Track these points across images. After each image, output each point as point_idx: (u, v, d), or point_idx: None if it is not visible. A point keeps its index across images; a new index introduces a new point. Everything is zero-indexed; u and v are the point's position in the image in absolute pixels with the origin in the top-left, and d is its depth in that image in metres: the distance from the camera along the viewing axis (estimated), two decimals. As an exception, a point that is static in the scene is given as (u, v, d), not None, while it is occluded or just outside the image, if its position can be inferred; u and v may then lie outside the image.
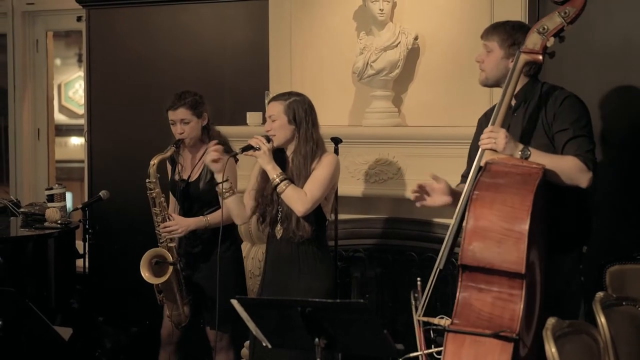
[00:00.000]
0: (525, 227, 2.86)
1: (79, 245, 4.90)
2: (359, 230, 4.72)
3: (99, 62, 5.88)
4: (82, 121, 6.39)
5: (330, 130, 4.27)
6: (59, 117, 7.19)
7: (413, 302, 3.16)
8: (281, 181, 3.72)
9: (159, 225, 4.26)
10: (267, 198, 3.85)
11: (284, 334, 3.05)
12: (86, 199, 5.62)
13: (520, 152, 3.12)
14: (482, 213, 2.93)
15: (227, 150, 4.32)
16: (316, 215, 3.78)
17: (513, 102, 3.35)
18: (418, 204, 3.42)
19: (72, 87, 7.59)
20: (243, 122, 4.90)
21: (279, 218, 3.84)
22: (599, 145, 4.13)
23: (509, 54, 3.30)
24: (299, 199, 3.70)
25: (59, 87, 7.38)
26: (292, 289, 3.77)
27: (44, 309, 4.07)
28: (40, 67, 6.55)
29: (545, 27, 3.16)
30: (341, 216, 4.22)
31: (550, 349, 2.64)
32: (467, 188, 3.10)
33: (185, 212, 4.35)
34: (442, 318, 2.99)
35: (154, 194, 4.24)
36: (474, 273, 2.94)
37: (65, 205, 5.33)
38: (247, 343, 4.69)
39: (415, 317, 3.13)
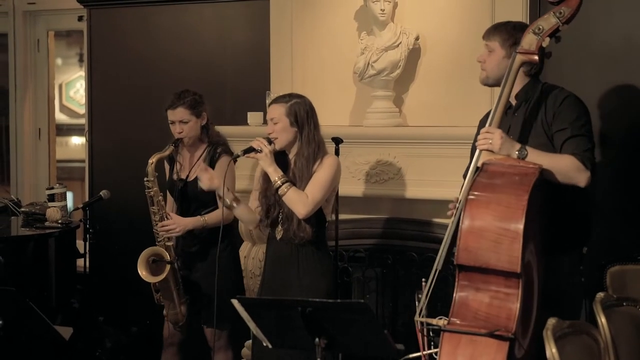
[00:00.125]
0: (520, 226, 2.87)
1: (80, 244, 4.90)
2: (360, 230, 4.72)
3: (100, 62, 5.88)
4: (83, 121, 6.39)
5: (331, 131, 4.27)
6: (60, 117, 7.18)
7: (417, 302, 3.16)
8: (283, 183, 3.72)
9: (156, 224, 4.27)
10: (269, 200, 3.85)
11: (284, 334, 3.05)
12: (87, 199, 5.62)
13: (517, 152, 3.12)
14: (477, 213, 2.95)
15: (225, 150, 4.33)
16: (317, 216, 3.79)
17: (514, 102, 3.36)
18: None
19: (73, 87, 7.57)
20: (244, 122, 4.90)
21: (280, 219, 3.84)
22: (599, 146, 4.13)
23: (510, 54, 3.30)
24: (300, 202, 3.71)
25: (60, 86, 7.37)
26: (291, 290, 3.78)
27: (44, 309, 4.06)
28: (41, 67, 6.55)
29: (541, 27, 3.18)
30: (342, 216, 4.22)
31: (551, 349, 2.64)
32: (465, 189, 3.11)
33: (183, 212, 4.35)
34: (441, 319, 3.00)
35: (152, 193, 4.25)
36: (471, 273, 2.95)
37: (66, 205, 5.33)
38: (247, 343, 4.70)
39: (415, 318, 3.14)
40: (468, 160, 3.41)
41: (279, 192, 3.74)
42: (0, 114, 6.84)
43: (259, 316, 3.03)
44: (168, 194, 4.44)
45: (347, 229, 4.60)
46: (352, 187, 4.55)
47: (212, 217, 4.27)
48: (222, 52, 5.48)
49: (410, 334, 3.25)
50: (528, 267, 2.96)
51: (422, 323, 3.08)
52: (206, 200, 4.29)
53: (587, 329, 2.87)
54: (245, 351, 4.78)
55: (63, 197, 5.32)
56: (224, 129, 4.83)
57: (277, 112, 3.81)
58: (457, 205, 3.16)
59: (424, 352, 3.11)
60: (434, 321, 3.00)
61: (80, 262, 4.93)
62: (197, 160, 4.35)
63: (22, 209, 5.47)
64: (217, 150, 4.33)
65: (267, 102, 4.38)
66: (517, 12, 4.27)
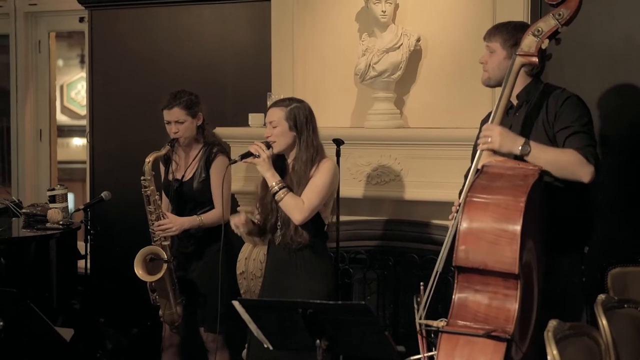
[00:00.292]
0: (518, 227, 2.88)
1: (81, 246, 4.90)
2: (361, 232, 4.72)
3: (102, 63, 5.88)
4: (84, 122, 6.39)
5: (332, 132, 4.28)
6: (61, 118, 7.20)
7: (416, 306, 3.16)
8: (280, 189, 3.72)
9: (152, 224, 4.27)
10: (267, 206, 3.86)
11: (285, 335, 3.05)
12: (88, 200, 5.62)
13: (520, 148, 3.12)
14: (475, 215, 2.96)
15: (221, 150, 4.34)
16: (314, 221, 3.79)
17: (515, 102, 3.36)
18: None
19: (74, 88, 7.59)
20: (245, 123, 4.90)
21: (278, 225, 3.84)
22: (600, 146, 4.11)
23: (512, 54, 3.30)
24: (296, 208, 3.71)
25: (61, 88, 7.39)
26: (291, 294, 3.77)
27: (45, 310, 4.06)
28: (43, 68, 6.55)
29: (540, 29, 3.18)
30: (343, 218, 4.22)
31: (552, 351, 2.64)
32: (464, 191, 3.11)
33: (179, 212, 4.36)
34: (442, 321, 3.00)
35: (149, 192, 4.26)
36: (469, 274, 2.96)
37: (67, 206, 5.33)
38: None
39: (416, 320, 3.14)
40: (469, 162, 3.41)
41: (276, 198, 3.74)
42: (2, 115, 6.84)
43: (260, 318, 3.03)
44: (163, 194, 4.44)
45: (348, 230, 4.59)
46: (353, 188, 4.55)
47: (208, 217, 4.29)
48: (223, 53, 5.48)
49: (411, 336, 3.25)
50: (527, 268, 2.96)
51: (421, 325, 3.08)
52: (202, 200, 4.31)
53: (588, 331, 2.87)
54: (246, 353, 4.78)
55: (64, 198, 5.32)
56: (225, 130, 4.84)
57: (277, 115, 3.81)
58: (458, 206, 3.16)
59: (425, 355, 3.11)
60: (435, 323, 3.00)
61: (81, 263, 4.94)
62: (193, 160, 4.36)
63: (23, 210, 5.47)
64: (212, 150, 4.34)
65: (268, 103, 4.38)
66: (518, 13, 4.26)
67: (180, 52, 5.59)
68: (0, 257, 4.75)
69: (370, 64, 4.55)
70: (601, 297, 3.02)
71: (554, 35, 3.20)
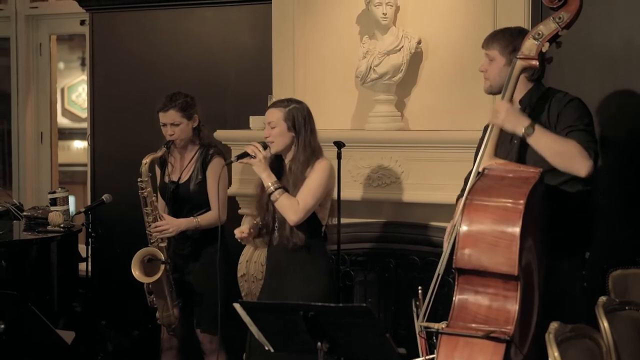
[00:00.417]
0: (517, 229, 2.88)
1: (82, 248, 4.91)
2: (362, 234, 4.72)
3: (102, 65, 5.89)
4: (85, 125, 6.39)
5: (332, 134, 4.28)
6: (62, 121, 7.19)
7: (415, 310, 3.16)
8: (275, 189, 3.73)
9: (149, 225, 4.28)
10: (264, 207, 3.87)
11: (286, 338, 3.05)
12: (89, 203, 5.62)
13: (524, 128, 3.12)
14: (475, 217, 2.97)
15: (218, 152, 4.35)
16: (310, 222, 3.79)
17: (518, 107, 3.36)
18: None
19: (75, 91, 7.58)
20: (246, 125, 4.90)
21: (276, 225, 3.85)
22: (601, 149, 4.11)
23: (511, 61, 3.31)
24: (291, 208, 3.72)
25: (62, 90, 7.38)
26: (287, 295, 3.79)
27: (46, 313, 4.06)
28: (44, 71, 6.56)
29: (540, 32, 3.19)
30: (344, 220, 4.22)
31: (553, 353, 2.64)
32: (465, 194, 3.12)
33: (175, 214, 4.38)
34: (443, 323, 3.00)
35: (146, 193, 4.27)
36: (470, 276, 2.97)
37: (68, 209, 5.33)
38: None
39: (417, 323, 3.14)
40: (470, 164, 3.42)
41: (272, 198, 3.75)
42: (3, 117, 6.84)
43: (261, 320, 3.03)
44: (159, 196, 4.45)
45: (348, 233, 4.59)
46: (353, 191, 4.55)
47: (205, 219, 4.29)
48: (224, 55, 5.49)
49: (412, 338, 3.25)
50: (527, 270, 2.96)
51: (421, 327, 3.09)
52: (198, 202, 4.32)
53: (590, 333, 2.87)
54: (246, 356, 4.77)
55: (65, 201, 5.32)
56: (225, 133, 4.85)
57: (275, 116, 3.82)
58: (459, 209, 3.15)
59: (426, 357, 3.11)
60: (434, 325, 3.01)
61: (82, 266, 4.94)
62: (189, 162, 4.38)
63: (24, 213, 5.47)
64: (209, 152, 4.36)
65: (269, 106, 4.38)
66: (519, 15, 4.27)
67: (181, 55, 5.60)
68: (1, 259, 4.75)
69: (371, 67, 4.55)
70: (602, 299, 3.02)
71: (554, 39, 3.20)
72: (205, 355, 4.47)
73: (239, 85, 5.41)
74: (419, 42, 4.59)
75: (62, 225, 5.13)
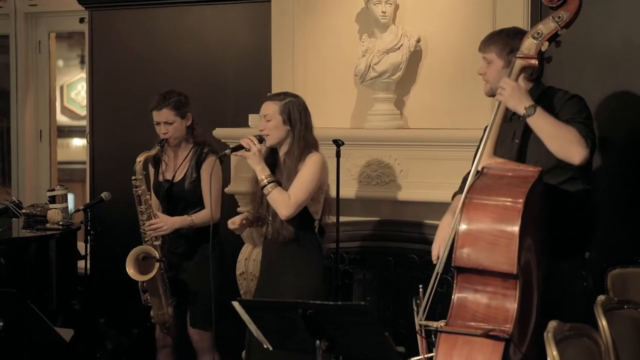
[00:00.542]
0: (516, 228, 2.89)
1: (81, 246, 4.90)
2: (361, 233, 4.72)
3: (102, 63, 5.88)
4: (84, 122, 6.39)
5: (332, 133, 4.28)
6: (61, 119, 7.19)
7: (415, 308, 3.16)
8: (268, 183, 3.75)
9: (144, 224, 4.28)
10: (258, 200, 3.88)
11: (285, 336, 3.05)
12: (88, 201, 5.62)
13: (525, 108, 3.13)
14: (474, 216, 2.97)
15: (212, 151, 4.35)
16: (300, 215, 3.80)
17: (523, 87, 3.35)
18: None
19: (74, 89, 7.59)
20: (245, 124, 4.90)
21: (269, 219, 3.86)
22: (600, 149, 4.13)
23: (509, 62, 3.31)
24: (282, 203, 3.73)
25: (61, 88, 7.39)
26: (278, 289, 3.82)
27: (45, 310, 4.07)
28: (43, 69, 6.55)
29: (540, 31, 3.19)
30: (343, 218, 4.22)
31: (552, 352, 2.64)
32: (464, 192, 3.12)
33: (170, 213, 4.37)
34: (442, 322, 3.00)
35: (140, 192, 4.27)
36: (468, 275, 2.97)
37: (67, 207, 5.33)
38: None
39: (417, 321, 3.14)
40: (469, 163, 3.42)
41: (264, 192, 3.78)
42: (2, 115, 6.84)
43: (259, 318, 3.03)
44: (153, 195, 4.44)
45: (347, 231, 4.59)
46: (353, 189, 4.55)
47: (199, 217, 4.30)
48: (224, 54, 5.49)
49: (411, 336, 3.25)
50: (526, 269, 2.97)
51: (420, 325, 3.09)
52: (193, 201, 4.32)
53: (588, 332, 2.88)
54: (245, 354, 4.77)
55: (64, 198, 5.32)
56: (225, 131, 4.85)
57: (271, 109, 3.84)
58: (458, 208, 3.15)
59: (425, 356, 3.11)
60: (434, 324, 3.01)
61: (81, 263, 4.93)
62: (184, 160, 4.37)
63: (23, 211, 5.47)
64: (203, 150, 4.36)
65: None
66: (518, 14, 4.27)
67: (180, 53, 5.59)
68: (0, 257, 4.75)
69: (370, 65, 4.55)
70: (601, 298, 3.03)
71: (553, 38, 3.20)
72: (197, 354, 4.47)
73: (238, 84, 5.41)
74: (418, 41, 4.59)
75: (61, 223, 5.13)
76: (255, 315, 3.02)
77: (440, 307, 3.35)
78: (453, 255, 2.97)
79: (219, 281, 4.31)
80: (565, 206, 3.23)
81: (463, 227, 2.96)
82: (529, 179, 3.02)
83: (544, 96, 3.33)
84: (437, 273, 3.19)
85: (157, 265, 4.23)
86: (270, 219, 3.87)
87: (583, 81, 4.28)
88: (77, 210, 5.06)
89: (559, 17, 3.17)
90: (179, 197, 4.36)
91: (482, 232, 2.94)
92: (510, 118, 3.33)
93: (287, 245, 3.84)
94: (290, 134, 3.83)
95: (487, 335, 2.86)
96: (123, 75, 5.80)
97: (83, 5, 5.90)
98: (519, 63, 3.21)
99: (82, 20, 6.20)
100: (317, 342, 2.92)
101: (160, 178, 4.42)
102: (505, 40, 3.37)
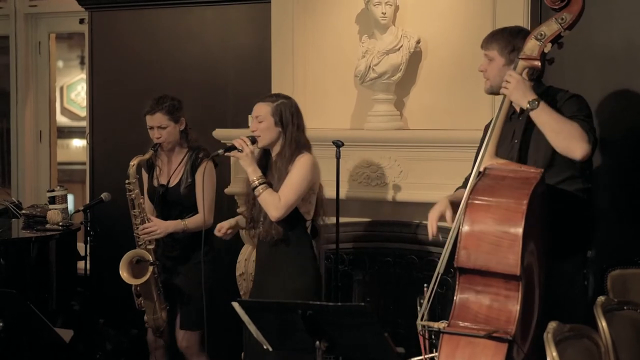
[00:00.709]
0: (520, 230, 2.88)
1: (80, 247, 4.90)
2: (361, 234, 4.72)
3: (102, 64, 5.88)
4: (84, 123, 6.39)
5: (332, 134, 4.28)
6: (61, 119, 7.18)
7: (419, 307, 3.16)
8: (259, 184, 3.76)
9: (137, 228, 4.27)
10: (251, 202, 3.89)
11: (284, 336, 3.05)
12: (88, 201, 5.62)
13: (529, 102, 3.14)
14: (477, 217, 2.97)
15: (207, 155, 4.34)
16: (290, 216, 3.80)
17: (518, 108, 3.36)
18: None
19: (74, 90, 7.58)
20: (245, 124, 4.89)
21: (261, 219, 3.86)
22: (600, 149, 4.13)
23: (510, 61, 3.32)
24: (272, 204, 3.74)
25: (61, 89, 7.38)
26: (269, 289, 3.84)
27: (45, 311, 4.07)
28: (43, 69, 6.55)
29: (543, 33, 3.20)
30: (343, 219, 4.22)
31: (552, 352, 2.64)
32: (466, 193, 3.12)
33: (165, 217, 4.37)
34: (443, 322, 3.00)
35: (133, 195, 4.27)
36: (471, 275, 2.97)
37: (67, 207, 5.33)
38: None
39: (418, 322, 3.14)
40: (469, 164, 3.42)
41: (255, 193, 3.79)
42: (2, 116, 6.84)
43: (259, 319, 3.03)
44: (147, 200, 4.43)
45: (347, 232, 4.60)
46: (352, 190, 4.55)
47: (193, 222, 4.29)
48: (224, 55, 5.49)
49: (411, 337, 3.25)
50: (528, 270, 2.96)
51: (422, 326, 3.08)
52: (187, 206, 4.32)
53: (588, 333, 2.87)
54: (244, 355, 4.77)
55: (64, 199, 5.32)
56: (224, 132, 4.85)
57: (263, 110, 3.85)
58: (460, 209, 3.15)
59: (426, 356, 3.11)
60: (436, 324, 3.00)
61: (80, 264, 4.93)
62: (178, 165, 4.36)
63: (23, 212, 5.47)
64: (198, 155, 4.35)
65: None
66: (518, 15, 4.27)
67: (180, 54, 5.59)
68: (0, 257, 4.75)
69: (370, 66, 4.55)
70: (601, 299, 3.02)
71: (556, 40, 3.20)
72: (185, 358, 4.46)
73: (238, 85, 5.41)
74: (418, 42, 4.59)
75: (60, 224, 5.13)
76: (255, 316, 3.02)
77: (439, 308, 3.35)
78: (455, 256, 2.96)
79: (210, 285, 4.30)
80: (565, 206, 3.23)
81: (466, 228, 2.96)
82: (531, 180, 3.01)
83: (545, 95, 3.33)
84: (439, 274, 3.18)
85: (150, 268, 4.22)
86: (262, 219, 3.87)
87: (584, 81, 4.28)
88: (77, 211, 5.06)
89: (562, 19, 3.17)
90: (175, 202, 4.35)
91: (485, 233, 2.93)
92: (510, 117, 3.33)
93: (277, 245, 3.85)
94: (282, 136, 3.83)
95: (490, 336, 2.85)
96: (123, 76, 5.80)
97: (83, 6, 5.90)
98: (521, 64, 3.22)
99: (82, 21, 6.20)
100: (317, 342, 2.92)
101: (155, 183, 4.41)
102: (507, 39, 3.37)
